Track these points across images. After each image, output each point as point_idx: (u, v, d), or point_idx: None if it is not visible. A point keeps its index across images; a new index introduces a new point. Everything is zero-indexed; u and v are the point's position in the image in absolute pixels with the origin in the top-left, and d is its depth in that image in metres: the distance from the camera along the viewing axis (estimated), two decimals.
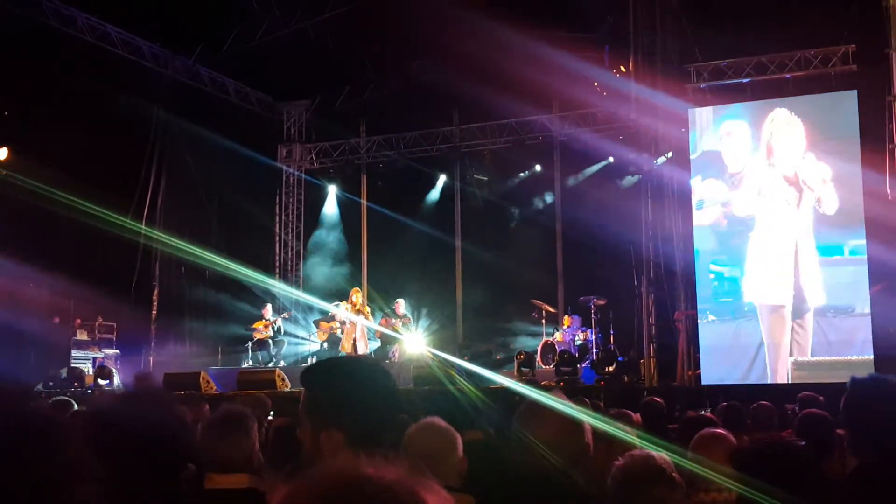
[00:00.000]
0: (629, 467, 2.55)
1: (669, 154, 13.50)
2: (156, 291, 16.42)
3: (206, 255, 14.35)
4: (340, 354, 14.99)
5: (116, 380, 14.10)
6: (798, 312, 12.25)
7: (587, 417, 2.63)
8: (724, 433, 3.66)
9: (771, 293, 12.44)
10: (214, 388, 13.52)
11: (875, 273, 11.80)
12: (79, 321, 14.81)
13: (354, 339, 15.01)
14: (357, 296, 15.22)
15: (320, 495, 0.87)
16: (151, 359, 15.95)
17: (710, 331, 12.66)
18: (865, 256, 11.98)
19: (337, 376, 2.00)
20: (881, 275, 11.70)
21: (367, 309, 15.29)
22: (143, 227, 15.29)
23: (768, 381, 12.14)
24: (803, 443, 3.41)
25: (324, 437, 1.84)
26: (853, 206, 12.02)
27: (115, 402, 2.11)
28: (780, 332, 12.31)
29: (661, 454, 2.63)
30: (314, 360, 16.28)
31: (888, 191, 11.36)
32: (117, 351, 15.00)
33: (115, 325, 15.21)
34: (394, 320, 15.13)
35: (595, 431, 2.69)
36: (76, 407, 5.88)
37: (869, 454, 2.64)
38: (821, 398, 6.08)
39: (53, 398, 7.26)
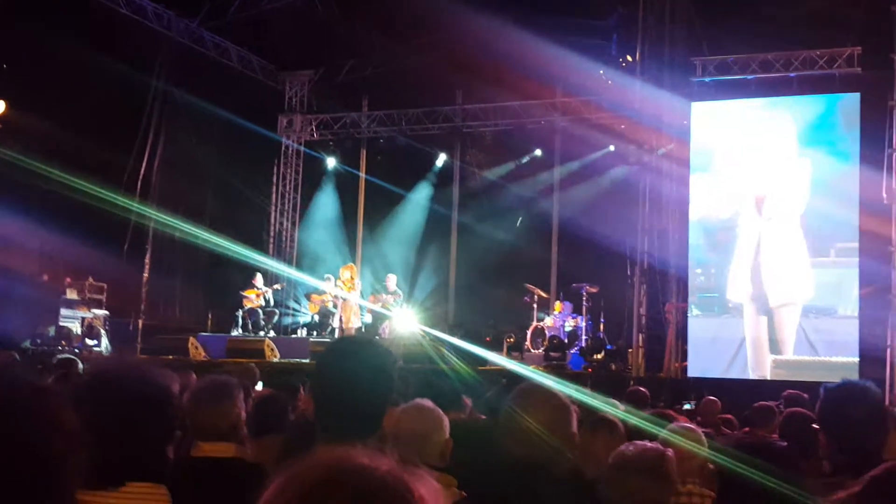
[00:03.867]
0: (626, 454, 2.70)
1: (671, 146, 13.48)
2: (148, 254, 16.37)
3: (199, 232, 14.15)
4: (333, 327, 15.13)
5: (104, 340, 14.09)
6: (775, 311, 12.38)
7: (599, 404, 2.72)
8: (695, 428, 3.71)
9: (747, 291, 12.61)
10: (203, 354, 13.55)
11: (865, 276, 11.87)
12: (69, 280, 14.70)
13: (341, 316, 15.08)
14: (348, 272, 15.22)
15: (315, 482, 0.88)
16: (140, 321, 15.91)
17: (694, 325, 12.80)
18: (852, 259, 12.08)
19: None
20: (872, 278, 11.76)
21: (358, 285, 15.29)
22: (137, 199, 15.04)
23: (748, 377, 12.27)
24: (785, 443, 3.44)
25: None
26: (846, 210, 12.07)
27: (105, 369, 2.12)
28: (758, 330, 12.49)
29: (661, 447, 2.78)
30: (304, 331, 16.31)
31: (884, 195, 11.38)
32: (106, 312, 14.91)
33: (105, 286, 15.12)
34: (384, 296, 15.12)
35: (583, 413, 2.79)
36: (81, 365, 5.88)
37: (842, 458, 2.69)
38: (805, 396, 6.06)
39: (59, 356, 7.26)
